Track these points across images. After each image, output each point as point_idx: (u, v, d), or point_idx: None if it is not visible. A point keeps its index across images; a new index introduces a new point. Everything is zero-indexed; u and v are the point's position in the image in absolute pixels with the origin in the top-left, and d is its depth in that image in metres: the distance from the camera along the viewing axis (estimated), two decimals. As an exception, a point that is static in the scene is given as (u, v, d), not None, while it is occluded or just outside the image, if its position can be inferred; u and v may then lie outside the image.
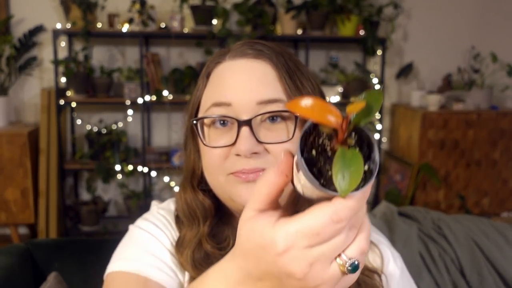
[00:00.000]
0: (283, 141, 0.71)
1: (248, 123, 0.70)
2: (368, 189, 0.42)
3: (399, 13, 3.34)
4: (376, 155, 0.42)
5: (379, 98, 0.43)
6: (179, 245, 0.77)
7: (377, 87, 3.30)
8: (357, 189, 0.40)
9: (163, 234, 0.79)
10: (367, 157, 0.42)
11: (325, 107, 0.40)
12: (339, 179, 0.38)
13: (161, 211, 0.85)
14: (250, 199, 0.45)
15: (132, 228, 0.83)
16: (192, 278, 0.73)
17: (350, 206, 0.41)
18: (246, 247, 0.44)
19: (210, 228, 0.77)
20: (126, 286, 0.73)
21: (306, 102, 0.41)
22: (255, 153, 0.70)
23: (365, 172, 0.41)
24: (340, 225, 0.41)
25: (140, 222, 0.83)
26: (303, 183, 0.43)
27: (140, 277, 0.73)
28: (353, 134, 0.43)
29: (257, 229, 0.43)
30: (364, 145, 0.43)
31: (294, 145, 0.72)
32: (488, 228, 1.39)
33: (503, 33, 3.59)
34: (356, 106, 0.40)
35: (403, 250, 1.27)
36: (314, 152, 0.43)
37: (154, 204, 0.90)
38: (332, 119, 0.40)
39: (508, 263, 1.30)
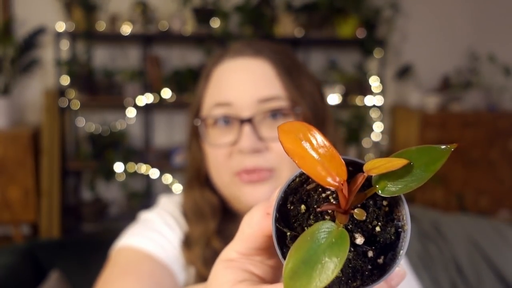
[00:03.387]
0: None
1: (249, 120, 0.71)
2: None
3: (398, 14, 3.37)
4: (404, 245, 0.29)
5: (438, 160, 0.28)
6: (187, 242, 0.77)
7: (376, 87, 3.33)
8: None
9: (169, 229, 0.80)
10: (391, 244, 0.29)
11: (326, 156, 0.28)
12: (287, 277, 0.25)
13: (169, 205, 0.85)
14: (235, 237, 0.38)
15: (140, 215, 0.85)
16: (199, 275, 0.75)
17: None
18: None
19: (217, 225, 0.78)
20: (127, 259, 0.73)
21: (301, 136, 0.29)
22: (257, 151, 0.71)
23: (375, 266, 0.29)
24: None
25: (147, 212, 0.85)
26: None
27: (143, 251, 0.74)
28: (380, 201, 0.30)
29: (223, 283, 0.35)
30: (391, 223, 0.30)
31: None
32: (486, 227, 1.39)
33: (500, 34, 3.62)
34: (384, 164, 0.27)
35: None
36: (303, 207, 0.31)
37: (163, 197, 0.90)
38: (324, 174, 0.28)
39: (506, 262, 1.30)
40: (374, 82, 3.34)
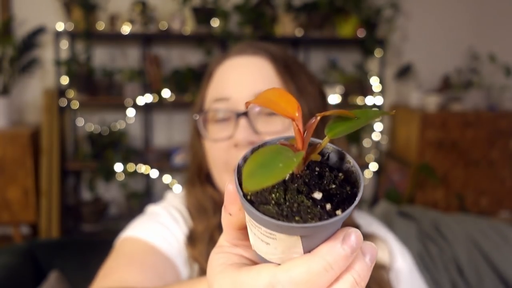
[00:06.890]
0: (278, 131, 0.73)
1: (245, 114, 0.73)
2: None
3: (398, 14, 3.36)
4: (359, 193, 0.32)
5: (370, 116, 0.34)
6: (191, 239, 0.78)
7: (377, 87, 3.32)
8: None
9: (175, 223, 0.81)
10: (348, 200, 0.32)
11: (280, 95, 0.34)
12: (246, 176, 0.28)
13: (176, 200, 0.86)
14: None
15: (147, 208, 0.86)
16: (202, 271, 0.75)
17: None
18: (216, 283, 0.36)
19: (219, 220, 0.78)
20: (132, 250, 0.74)
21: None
22: (253, 143, 0.71)
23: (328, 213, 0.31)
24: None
25: (154, 205, 0.86)
26: (253, 230, 0.33)
27: (148, 243, 0.75)
28: (336, 172, 0.34)
29: (215, 266, 0.36)
30: (346, 185, 0.33)
31: None
32: (487, 227, 1.39)
33: (501, 34, 3.61)
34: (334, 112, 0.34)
35: (402, 249, 1.29)
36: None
37: (170, 193, 0.92)
38: (283, 105, 0.33)
39: (506, 262, 1.30)
40: (375, 82, 3.33)
